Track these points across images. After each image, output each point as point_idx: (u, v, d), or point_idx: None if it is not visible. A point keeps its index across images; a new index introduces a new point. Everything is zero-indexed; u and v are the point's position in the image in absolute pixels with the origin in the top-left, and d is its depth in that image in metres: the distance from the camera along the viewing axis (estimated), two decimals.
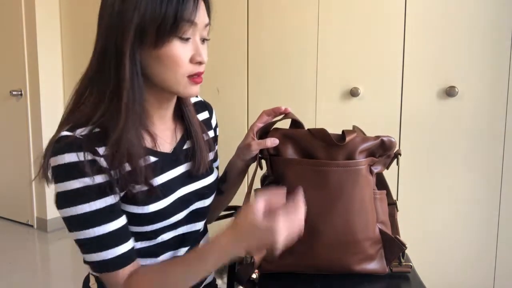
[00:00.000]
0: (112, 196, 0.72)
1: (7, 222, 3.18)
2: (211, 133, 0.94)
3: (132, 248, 0.75)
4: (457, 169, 1.76)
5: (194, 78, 0.75)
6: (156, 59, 0.72)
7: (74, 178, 0.69)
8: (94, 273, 0.77)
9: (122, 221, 0.74)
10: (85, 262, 0.75)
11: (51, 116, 2.91)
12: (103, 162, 0.70)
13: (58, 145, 0.69)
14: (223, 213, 1.06)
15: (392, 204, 0.93)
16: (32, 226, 3.06)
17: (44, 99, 2.89)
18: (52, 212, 2.99)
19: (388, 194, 0.91)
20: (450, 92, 1.72)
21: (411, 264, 0.89)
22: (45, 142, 0.72)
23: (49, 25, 2.89)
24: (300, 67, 2.03)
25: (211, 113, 0.97)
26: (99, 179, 0.70)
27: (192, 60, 0.74)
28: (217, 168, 0.98)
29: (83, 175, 0.68)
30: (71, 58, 2.94)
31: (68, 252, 2.78)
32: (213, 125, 0.97)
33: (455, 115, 1.74)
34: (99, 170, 0.70)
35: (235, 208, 1.06)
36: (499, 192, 1.70)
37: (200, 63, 0.75)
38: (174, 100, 0.83)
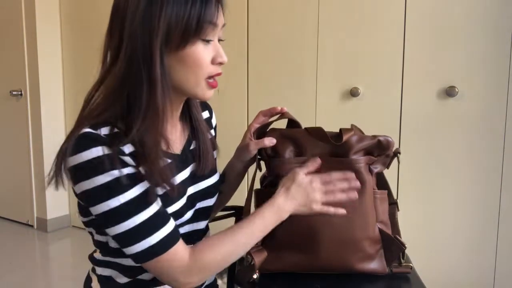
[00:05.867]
0: (144, 181, 0.71)
1: (7, 222, 3.18)
2: (212, 132, 0.96)
3: (176, 227, 0.75)
4: (457, 169, 1.76)
5: (211, 82, 0.76)
6: (180, 61, 0.72)
7: (103, 172, 0.67)
8: (143, 264, 0.72)
9: (159, 203, 0.73)
10: (129, 255, 0.71)
11: (51, 116, 2.91)
12: (129, 160, 0.70)
13: (82, 141, 0.68)
14: (222, 213, 1.06)
15: (393, 204, 0.93)
16: (32, 226, 3.06)
17: (44, 99, 2.89)
18: (52, 212, 2.99)
19: (389, 194, 0.91)
20: (450, 92, 1.72)
21: (411, 264, 0.88)
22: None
23: (49, 25, 2.88)
24: (300, 67, 2.03)
25: (211, 113, 0.98)
26: (127, 170, 0.69)
27: (213, 61, 0.75)
28: None
29: (112, 167, 0.67)
30: (71, 58, 2.93)
31: (68, 252, 2.79)
32: (213, 124, 0.99)
33: (455, 115, 1.74)
34: (127, 165, 0.70)
35: (235, 208, 1.06)
36: (499, 192, 1.70)
37: (220, 63, 0.77)
38: (183, 101, 0.83)
